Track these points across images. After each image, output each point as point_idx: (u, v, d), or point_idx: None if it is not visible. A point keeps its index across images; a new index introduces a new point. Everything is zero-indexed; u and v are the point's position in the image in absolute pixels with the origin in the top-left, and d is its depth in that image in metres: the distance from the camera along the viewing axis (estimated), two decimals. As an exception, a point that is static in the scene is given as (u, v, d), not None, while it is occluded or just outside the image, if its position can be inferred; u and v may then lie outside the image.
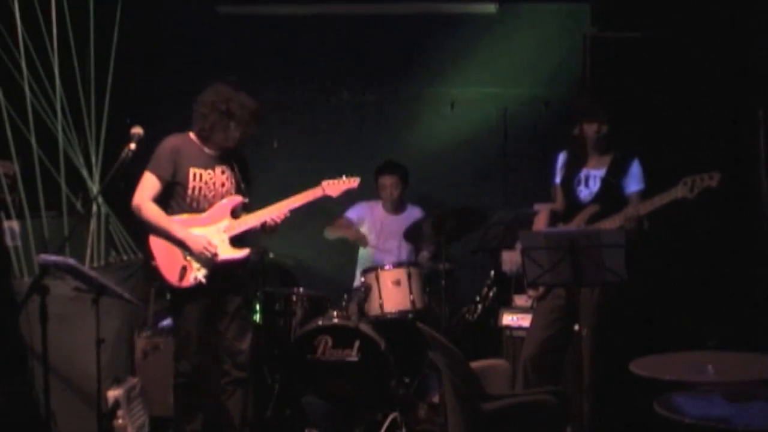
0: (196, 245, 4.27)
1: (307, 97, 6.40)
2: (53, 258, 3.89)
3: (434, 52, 6.32)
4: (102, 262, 5.19)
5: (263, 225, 4.43)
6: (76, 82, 5.19)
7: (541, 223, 4.70)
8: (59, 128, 5.08)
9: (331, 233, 5.97)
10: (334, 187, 4.56)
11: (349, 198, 4.93)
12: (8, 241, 4.82)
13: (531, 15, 6.23)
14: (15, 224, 4.83)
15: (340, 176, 4.58)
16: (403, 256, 5.86)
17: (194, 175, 4.34)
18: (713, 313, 5.25)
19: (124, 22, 5.31)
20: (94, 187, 5.22)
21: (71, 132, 5.17)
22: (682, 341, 4.25)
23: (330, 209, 4.92)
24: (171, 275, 4.29)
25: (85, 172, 5.22)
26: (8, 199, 4.85)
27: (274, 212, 4.41)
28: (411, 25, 6.35)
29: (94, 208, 5.16)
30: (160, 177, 4.29)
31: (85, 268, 4.09)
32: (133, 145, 4.14)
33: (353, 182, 4.61)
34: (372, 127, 6.42)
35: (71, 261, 3.94)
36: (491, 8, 6.26)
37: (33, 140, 4.94)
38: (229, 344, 4.41)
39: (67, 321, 4.53)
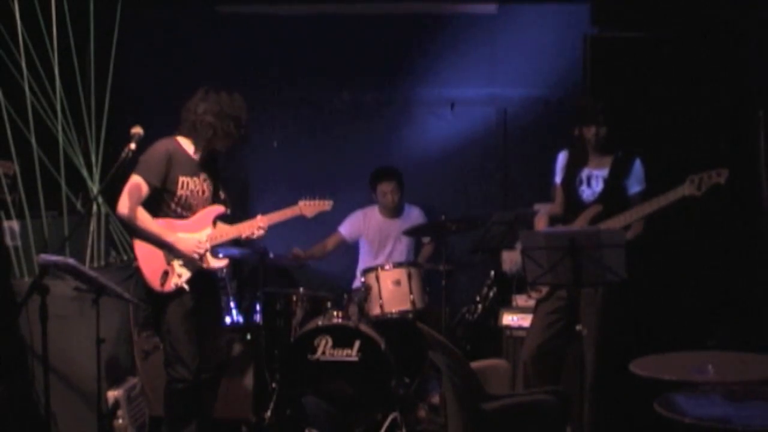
0: (186, 246, 4.29)
1: (307, 97, 6.40)
2: (53, 258, 3.88)
3: (434, 52, 6.31)
4: (102, 262, 5.19)
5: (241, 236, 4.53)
6: (76, 82, 5.19)
7: (540, 225, 4.71)
8: (59, 128, 5.07)
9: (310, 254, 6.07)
10: (309, 207, 4.73)
11: (348, 199, 4.95)
12: (8, 241, 4.82)
13: (531, 15, 6.22)
14: (15, 224, 4.83)
15: (315, 197, 4.75)
16: (404, 258, 5.86)
17: (183, 183, 4.34)
18: (713, 312, 5.25)
19: (124, 22, 5.30)
20: (94, 187, 5.22)
21: (71, 132, 5.17)
22: (682, 341, 4.25)
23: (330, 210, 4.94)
24: (153, 279, 4.29)
25: (85, 172, 5.22)
26: (8, 199, 4.85)
27: (254, 226, 4.49)
28: (410, 25, 6.34)
29: (94, 208, 5.16)
30: (149, 183, 4.24)
31: (85, 268, 4.08)
32: (133, 145, 4.14)
33: (327, 205, 4.78)
34: (371, 127, 6.42)
35: (71, 261, 3.94)
36: (491, 8, 6.26)
37: (33, 140, 4.93)
38: (205, 347, 4.42)
39: (67, 321, 4.53)
